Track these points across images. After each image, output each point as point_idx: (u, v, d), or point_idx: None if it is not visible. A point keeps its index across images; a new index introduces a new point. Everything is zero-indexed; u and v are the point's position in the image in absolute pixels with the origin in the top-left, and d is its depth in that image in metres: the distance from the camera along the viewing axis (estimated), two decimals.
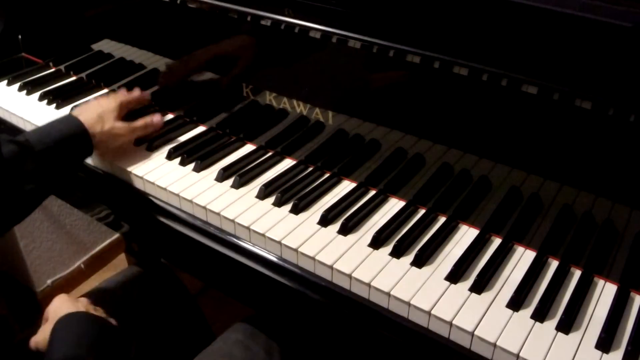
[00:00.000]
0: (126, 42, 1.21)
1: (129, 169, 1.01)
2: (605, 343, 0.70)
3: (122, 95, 1.08)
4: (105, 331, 0.81)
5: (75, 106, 1.18)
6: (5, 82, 1.29)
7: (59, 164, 0.94)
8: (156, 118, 1.07)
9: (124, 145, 1.04)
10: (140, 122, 1.06)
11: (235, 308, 1.11)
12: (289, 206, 0.91)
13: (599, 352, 0.70)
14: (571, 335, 0.72)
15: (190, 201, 0.93)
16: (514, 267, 0.82)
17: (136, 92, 1.11)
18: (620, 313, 0.75)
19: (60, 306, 0.85)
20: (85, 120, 0.98)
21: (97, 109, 1.01)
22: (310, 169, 1.00)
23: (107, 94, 1.13)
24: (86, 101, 1.12)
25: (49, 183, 0.93)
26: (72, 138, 0.95)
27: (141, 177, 0.99)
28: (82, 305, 0.86)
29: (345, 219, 0.87)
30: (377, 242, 0.84)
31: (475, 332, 0.71)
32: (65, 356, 0.75)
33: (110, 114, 1.02)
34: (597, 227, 0.80)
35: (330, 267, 0.81)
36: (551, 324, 0.73)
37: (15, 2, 1.34)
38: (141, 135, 1.06)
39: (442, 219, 0.90)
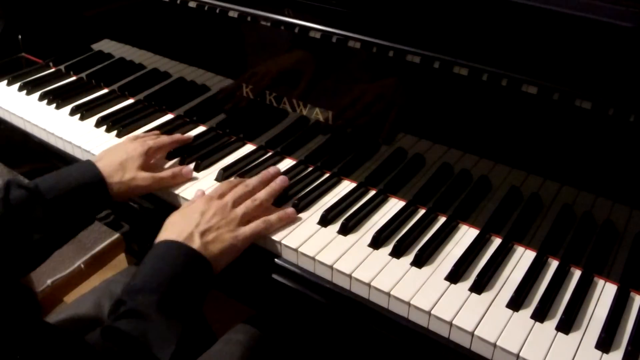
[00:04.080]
0: (126, 42, 1.21)
1: None
2: (605, 343, 0.70)
3: (152, 141, 0.99)
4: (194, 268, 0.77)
5: (75, 105, 1.18)
6: (5, 82, 1.29)
7: (71, 214, 0.86)
8: (185, 170, 0.97)
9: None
10: (167, 173, 0.96)
11: (235, 308, 1.11)
12: (288, 206, 0.91)
13: (599, 352, 0.70)
14: (571, 335, 0.72)
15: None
16: (514, 267, 0.82)
17: (169, 137, 1.03)
18: (620, 313, 0.75)
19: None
20: (104, 168, 0.89)
21: (120, 156, 0.93)
22: (310, 168, 1.00)
23: (136, 138, 1.01)
24: (113, 145, 1.00)
25: (59, 233, 0.85)
26: (86, 187, 0.87)
27: None
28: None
29: (345, 219, 0.87)
30: (377, 242, 0.84)
31: (475, 332, 0.71)
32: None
33: (133, 163, 0.92)
34: (597, 227, 0.80)
35: (330, 267, 0.81)
36: (551, 324, 0.73)
37: (15, 2, 1.34)
38: (166, 187, 0.96)
39: (442, 219, 0.90)
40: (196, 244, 0.78)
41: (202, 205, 0.85)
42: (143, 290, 0.72)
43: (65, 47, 1.33)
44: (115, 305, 0.73)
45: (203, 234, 0.80)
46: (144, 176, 0.93)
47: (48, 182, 0.85)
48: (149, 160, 0.97)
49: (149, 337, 0.69)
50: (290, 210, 0.89)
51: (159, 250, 0.78)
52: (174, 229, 0.81)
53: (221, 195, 0.87)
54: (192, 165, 0.99)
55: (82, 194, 0.86)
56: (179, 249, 0.77)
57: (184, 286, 0.75)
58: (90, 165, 0.90)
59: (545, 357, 0.69)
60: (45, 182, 0.85)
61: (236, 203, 0.86)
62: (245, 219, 0.85)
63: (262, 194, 0.89)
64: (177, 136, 1.05)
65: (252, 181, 0.91)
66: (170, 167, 1.01)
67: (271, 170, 0.95)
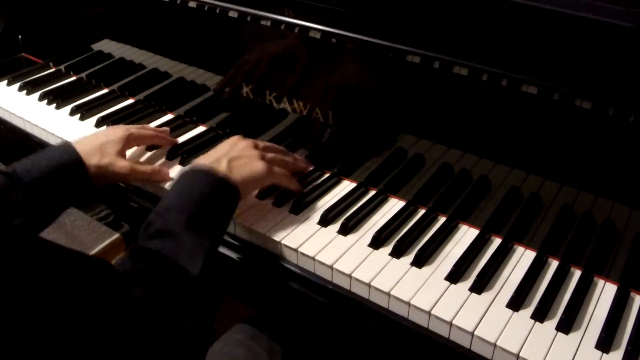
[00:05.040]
0: (126, 42, 1.21)
1: None
2: (605, 343, 0.70)
3: (135, 129, 0.99)
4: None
5: (75, 105, 1.18)
6: (5, 82, 1.29)
7: (50, 196, 0.84)
8: (165, 171, 0.97)
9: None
10: (145, 168, 0.96)
11: (235, 308, 1.11)
12: (288, 206, 0.91)
13: (599, 352, 0.70)
14: (571, 335, 0.72)
15: None
16: (514, 267, 0.82)
17: (153, 130, 1.03)
18: (620, 313, 0.75)
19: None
20: (82, 150, 0.88)
21: (100, 139, 0.92)
22: (310, 169, 1.00)
23: (119, 125, 1.01)
24: (94, 132, 1.00)
25: (40, 217, 0.84)
26: (64, 168, 0.85)
27: None
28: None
29: (345, 219, 0.87)
30: (377, 242, 0.84)
31: (475, 332, 0.71)
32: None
33: (112, 147, 0.92)
34: (597, 227, 0.80)
35: (330, 267, 0.81)
36: (551, 324, 0.73)
37: (15, 2, 1.34)
38: (142, 181, 0.96)
39: (442, 219, 0.90)
40: (223, 167, 0.83)
41: (234, 140, 0.90)
42: (171, 210, 0.75)
43: (65, 47, 1.33)
44: (145, 227, 0.75)
45: (231, 159, 0.85)
46: (123, 164, 0.92)
47: (26, 166, 0.83)
48: (128, 146, 0.97)
49: (179, 252, 0.71)
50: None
51: (188, 174, 0.82)
52: (204, 157, 0.86)
53: (253, 141, 0.92)
54: (166, 170, 0.98)
55: (60, 175, 0.85)
56: (205, 173, 0.81)
57: (211, 206, 0.78)
58: (69, 147, 0.89)
59: (545, 357, 0.69)
60: (22, 165, 0.83)
61: (266, 149, 0.92)
62: (271, 163, 0.89)
63: (290, 158, 0.96)
64: (162, 132, 1.05)
65: (282, 148, 0.99)
66: (170, 168, 1.01)
67: (297, 155, 1.00)
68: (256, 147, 0.90)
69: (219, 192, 0.81)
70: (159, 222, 0.74)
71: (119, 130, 0.96)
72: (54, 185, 0.84)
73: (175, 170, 1.00)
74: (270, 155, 0.91)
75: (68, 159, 0.87)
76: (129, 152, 0.99)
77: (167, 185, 0.96)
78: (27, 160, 0.85)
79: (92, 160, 0.89)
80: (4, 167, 0.84)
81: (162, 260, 0.71)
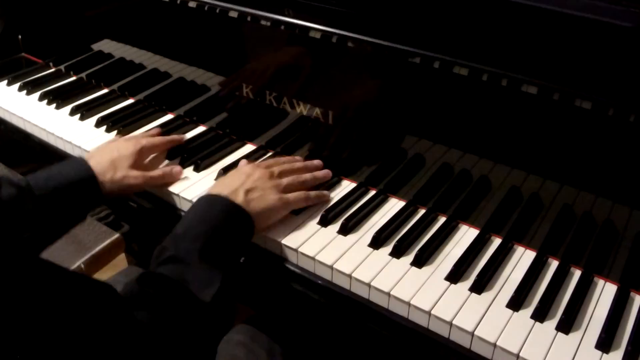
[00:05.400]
0: (126, 42, 1.21)
1: None
2: (605, 343, 0.70)
3: (145, 140, 0.99)
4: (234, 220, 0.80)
5: (75, 105, 1.18)
6: (5, 82, 1.29)
7: (61, 212, 0.85)
8: (175, 170, 0.97)
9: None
10: (157, 173, 0.96)
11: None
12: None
13: (599, 352, 0.70)
14: (571, 335, 0.72)
15: (190, 201, 0.93)
16: (514, 267, 0.82)
17: (163, 138, 1.03)
18: (620, 313, 0.75)
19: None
20: (96, 166, 0.89)
21: (112, 154, 0.92)
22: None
23: (129, 137, 1.01)
24: (106, 142, 1.01)
25: (50, 231, 0.85)
26: (77, 185, 0.86)
27: None
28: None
29: (345, 219, 0.87)
30: (377, 242, 0.84)
31: (475, 332, 0.71)
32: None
33: (125, 161, 0.92)
34: (597, 227, 0.80)
35: (330, 267, 0.81)
36: (551, 324, 0.73)
37: (15, 2, 1.34)
38: (157, 186, 0.97)
39: (442, 219, 0.90)
40: (240, 199, 0.81)
41: (249, 169, 0.89)
42: (186, 238, 0.75)
43: (65, 47, 1.33)
44: (158, 253, 0.74)
45: (247, 191, 0.83)
46: (135, 175, 0.93)
47: (39, 180, 0.84)
48: (142, 159, 0.97)
49: (191, 280, 0.71)
50: (326, 192, 0.93)
51: (203, 202, 0.81)
52: (219, 186, 0.85)
53: (268, 166, 0.91)
54: (178, 168, 0.98)
55: (73, 191, 0.86)
56: (223, 201, 0.80)
57: (225, 237, 0.77)
58: (82, 163, 0.89)
59: (545, 357, 0.69)
60: (36, 179, 0.84)
61: (281, 175, 0.90)
62: (288, 190, 0.88)
63: (307, 176, 0.94)
64: (171, 137, 1.05)
65: (298, 164, 0.97)
66: (166, 166, 1.01)
67: (315, 162, 0.99)
68: (271, 175, 0.89)
69: (235, 220, 0.80)
70: (172, 249, 0.73)
71: (131, 144, 0.96)
72: (66, 201, 0.85)
73: (190, 179, 1.00)
74: (285, 181, 0.89)
75: (82, 176, 0.87)
76: None
77: (173, 187, 0.96)
78: (41, 174, 0.85)
79: (106, 176, 0.89)
80: (18, 179, 0.84)
81: (173, 287, 0.70)
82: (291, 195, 0.88)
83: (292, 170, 0.93)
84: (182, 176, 0.98)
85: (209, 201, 0.81)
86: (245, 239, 0.82)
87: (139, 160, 0.95)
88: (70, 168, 0.88)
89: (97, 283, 0.65)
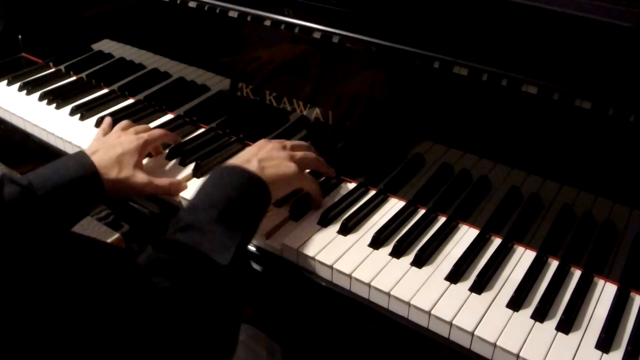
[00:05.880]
0: (126, 42, 1.21)
1: None
2: (605, 343, 0.70)
3: (146, 134, 0.97)
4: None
5: (75, 105, 1.18)
6: (5, 82, 1.29)
7: (64, 209, 0.84)
8: (184, 184, 0.96)
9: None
10: (164, 182, 0.94)
11: None
12: (289, 207, 0.91)
13: (599, 352, 0.70)
14: (571, 335, 0.72)
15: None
16: (514, 267, 0.82)
17: (160, 130, 1.01)
18: (620, 313, 0.75)
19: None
20: (99, 162, 0.87)
21: (116, 150, 0.90)
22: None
23: (125, 127, 0.99)
24: (105, 136, 0.98)
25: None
26: (79, 181, 0.84)
27: None
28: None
29: (345, 219, 0.87)
30: (377, 242, 0.84)
31: (475, 332, 0.71)
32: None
33: (131, 159, 0.90)
34: (597, 227, 0.80)
35: (330, 267, 0.81)
36: (551, 324, 0.73)
37: (15, 2, 1.34)
38: (159, 194, 0.95)
39: (442, 219, 0.90)
40: (254, 167, 0.81)
41: (261, 143, 0.89)
42: (201, 207, 0.74)
43: (65, 47, 1.33)
44: (173, 222, 0.73)
45: (261, 160, 0.83)
46: (142, 178, 0.91)
47: (40, 177, 0.82)
48: (145, 153, 0.96)
49: (207, 244, 0.70)
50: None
51: (218, 173, 0.81)
52: (233, 159, 0.85)
53: (279, 141, 0.91)
54: (185, 183, 0.97)
55: (75, 188, 0.84)
56: (237, 170, 0.80)
57: (241, 204, 0.77)
58: (84, 159, 0.87)
59: (545, 357, 0.69)
60: (38, 177, 0.83)
61: (294, 148, 0.91)
62: (300, 162, 0.88)
63: (316, 155, 0.94)
64: (167, 131, 1.04)
65: (308, 145, 0.97)
66: (170, 167, 1.01)
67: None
68: (284, 147, 0.89)
69: (251, 189, 0.79)
70: (188, 218, 0.72)
71: (134, 139, 0.94)
72: (69, 198, 0.83)
73: (175, 170, 1.00)
74: (299, 154, 0.89)
75: (85, 172, 0.85)
76: None
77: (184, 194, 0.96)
78: (42, 171, 0.84)
79: (110, 174, 0.88)
80: (19, 177, 0.83)
81: (189, 251, 0.69)
82: (307, 174, 0.89)
83: (303, 147, 0.94)
84: (182, 176, 0.98)
85: (223, 172, 0.80)
86: (262, 207, 0.81)
87: (142, 156, 0.94)
88: (72, 165, 0.86)
89: (114, 249, 0.64)
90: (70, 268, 0.56)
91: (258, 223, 0.80)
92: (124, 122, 1.02)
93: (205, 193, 0.77)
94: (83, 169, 0.86)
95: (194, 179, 0.98)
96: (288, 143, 0.91)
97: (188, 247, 0.69)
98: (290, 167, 0.85)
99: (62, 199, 0.83)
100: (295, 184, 0.88)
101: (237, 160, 0.84)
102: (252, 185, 0.80)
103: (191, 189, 0.96)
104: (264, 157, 0.84)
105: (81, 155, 0.88)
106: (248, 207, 0.78)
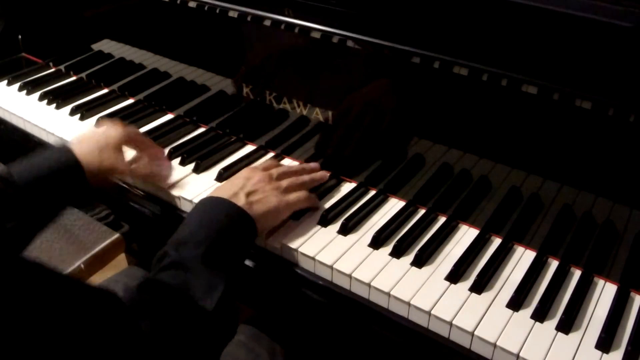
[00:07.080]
0: (126, 42, 1.21)
1: None
2: (605, 343, 0.70)
3: (131, 128, 0.96)
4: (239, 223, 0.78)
5: (75, 105, 1.18)
6: (5, 82, 1.29)
7: (46, 200, 0.82)
8: (164, 173, 0.97)
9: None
10: (145, 171, 0.95)
11: None
12: None
13: (599, 352, 0.70)
14: (571, 335, 0.72)
15: (191, 201, 0.93)
16: (514, 267, 0.82)
17: (148, 139, 1.00)
18: (620, 313, 0.75)
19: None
20: (82, 154, 0.85)
21: (99, 141, 0.89)
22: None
23: (114, 123, 0.95)
24: (91, 130, 0.97)
25: (34, 220, 0.82)
26: (61, 172, 0.83)
27: None
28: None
29: (345, 219, 0.87)
30: (377, 242, 0.84)
31: (475, 332, 0.71)
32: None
33: (114, 149, 0.90)
34: (597, 227, 0.80)
35: (330, 267, 0.81)
36: (551, 324, 0.73)
37: (15, 2, 1.34)
38: (143, 178, 0.96)
39: (442, 219, 0.90)
40: (241, 201, 0.80)
41: (248, 173, 0.88)
42: (187, 243, 0.73)
43: (65, 47, 1.33)
44: (158, 258, 0.73)
45: (248, 194, 0.82)
46: (125, 168, 0.91)
47: (21, 168, 0.81)
48: (128, 145, 0.94)
49: (193, 286, 0.69)
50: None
51: (205, 206, 0.80)
52: (219, 191, 0.84)
53: (265, 169, 0.90)
54: (178, 168, 0.98)
55: (57, 179, 0.83)
56: (224, 204, 0.79)
57: (228, 241, 0.76)
58: (67, 151, 0.86)
59: (545, 357, 0.69)
60: (18, 167, 0.81)
61: (280, 177, 0.89)
62: (288, 192, 0.87)
63: (305, 177, 0.93)
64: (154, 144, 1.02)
65: (295, 167, 0.97)
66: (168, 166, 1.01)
67: (312, 164, 0.99)
68: (271, 178, 0.88)
69: (237, 223, 0.78)
70: (174, 254, 0.71)
71: (117, 130, 0.93)
72: (50, 189, 0.82)
73: (175, 170, 1.00)
74: (285, 183, 0.88)
75: (66, 162, 0.84)
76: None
77: (173, 189, 0.96)
78: (24, 162, 0.83)
79: (91, 164, 0.86)
80: (2, 169, 0.82)
81: (175, 294, 0.68)
82: (292, 196, 0.87)
83: (290, 172, 0.92)
84: (182, 176, 0.98)
85: (211, 205, 0.80)
86: (248, 243, 0.81)
87: (123, 145, 0.92)
88: (53, 155, 0.85)
89: (99, 291, 0.63)
90: (55, 314, 0.54)
91: (244, 258, 0.81)
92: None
93: (192, 228, 0.76)
94: (64, 160, 0.85)
95: (193, 174, 0.99)
96: (274, 172, 0.90)
97: (174, 290, 0.69)
98: (276, 201, 0.84)
99: (43, 190, 0.81)
100: (284, 216, 0.86)
101: (224, 192, 0.82)
102: (240, 222, 0.79)
103: (191, 186, 0.96)
104: (252, 191, 0.83)
105: (62, 147, 0.87)
106: (235, 244, 0.77)
